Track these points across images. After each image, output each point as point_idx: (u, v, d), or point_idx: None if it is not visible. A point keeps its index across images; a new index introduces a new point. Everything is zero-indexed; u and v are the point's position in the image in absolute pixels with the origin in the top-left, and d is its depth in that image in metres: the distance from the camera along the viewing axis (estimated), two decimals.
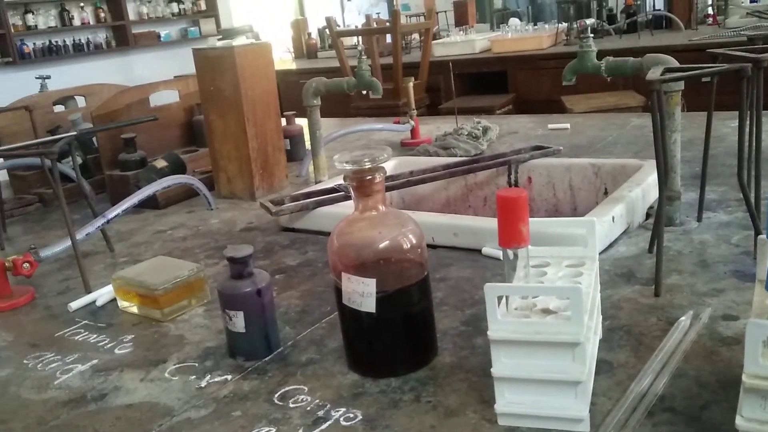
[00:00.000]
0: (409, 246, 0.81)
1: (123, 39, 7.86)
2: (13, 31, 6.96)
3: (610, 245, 1.14)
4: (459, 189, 1.65)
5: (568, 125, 2.08)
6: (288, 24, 6.88)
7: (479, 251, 1.17)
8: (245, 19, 8.16)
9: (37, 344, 1.02)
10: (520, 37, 4.87)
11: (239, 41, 1.58)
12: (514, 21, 5.52)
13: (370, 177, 0.79)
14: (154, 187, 1.48)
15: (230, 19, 8.52)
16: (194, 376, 0.87)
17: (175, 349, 0.96)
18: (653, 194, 1.27)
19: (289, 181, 1.75)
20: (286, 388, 0.82)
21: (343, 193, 1.39)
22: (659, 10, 5.27)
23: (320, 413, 0.76)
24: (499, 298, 0.70)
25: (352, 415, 0.75)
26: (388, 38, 5.37)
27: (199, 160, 1.84)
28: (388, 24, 5.27)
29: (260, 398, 0.81)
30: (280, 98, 1.70)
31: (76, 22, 7.51)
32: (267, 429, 0.74)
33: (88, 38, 7.68)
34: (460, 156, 1.81)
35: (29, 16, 7.13)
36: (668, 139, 1.10)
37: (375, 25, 5.20)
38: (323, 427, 0.74)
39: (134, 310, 1.08)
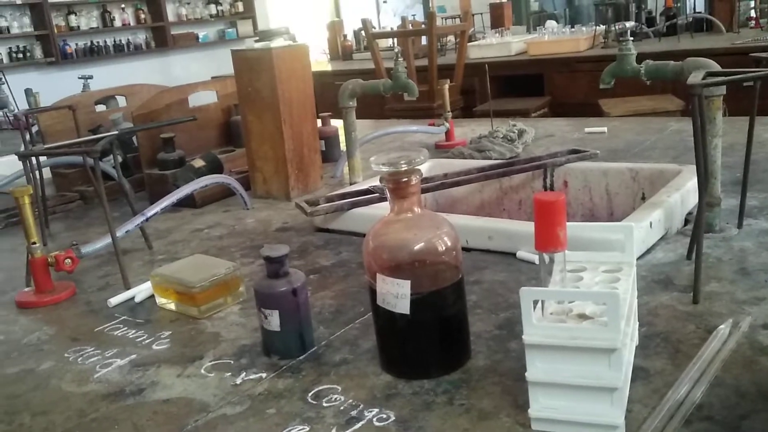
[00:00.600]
0: (444, 248, 0.81)
1: (162, 40, 7.99)
2: (56, 31, 7.12)
3: (648, 251, 1.12)
4: (493, 192, 1.64)
5: (605, 129, 2.06)
6: (324, 26, 6.92)
7: (514, 255, 1.16)
8: (282, 20, 8.23)
9: (78, 338, 1.04)
10: (557, 39, 4.83)
11: (277, 43, 1.59)
12: (551, 23, 5.47)
13: (406, 179, 0.80)
14: (192, 187, 1.50)
15: (267, 20, 8.60)
16: (230, 373, 0.89)
17: (211, 346, 0.97)
18: (692, 200, 1.25)
19: (324, 182, 1.77)
20: (320, 388, 0.83)
21: (377, 194, 1.39)
22: (700, 12, 5.18)
23: (353, 413, 0.77)
24: (535, 302, 0.70)
25: (385, 416, 0.75)
26: (424, 40, 5.37)
27: (236, 160, 1.86)
28: (423, 26, 5.27)
29: (294, 397, 0.81)
30: (315, 100, 1.71)
31: (117, 23, 7.66)
32: (301, 427, 0.75)
33: (128, 39, 7.83)
34: (495, 159, 1.80)
35: (72, 17, 7.30)
36: (709, 144, 1.09)
37: (410, 27, 5.21)
38: (356, 427, 0.74)
39: (172, 306, 1.10)
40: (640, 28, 4.70)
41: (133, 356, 0.96)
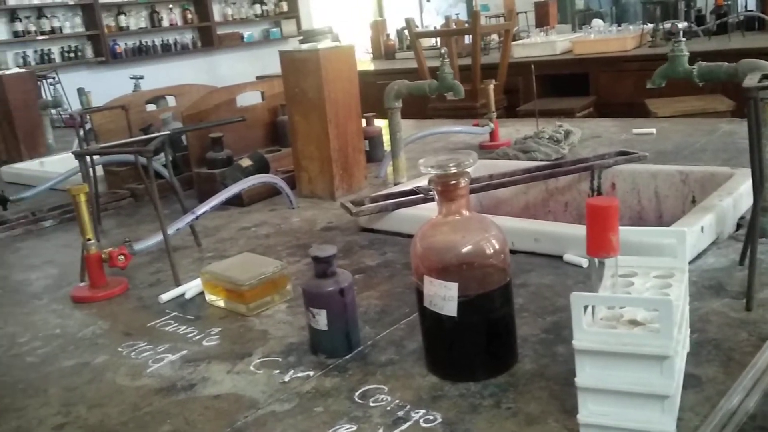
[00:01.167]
0: (492, 251, 0.81)
1: (208, 39, 8.12)
2: (106, 31, 7.30)
3: (698, 256, 1.11)
4: (539, 193, 1.63)
5: (653, 130, 2.03)
6: (367, 25, 6.94)
7: (560, 257, 1.15)
8: (325, 20, 8.29)
9: (131, 333, 1.07)
10: (603, 38, 4.75)
11: (324, 44, 1.61)
12: (597, 22, 5.39)
13: (455, 181, 0.80)
14: (240, 186, 1.52)
15: (310, 20, 8.67)
16: (278, 371, 0.90)
17: (260, 344, 0.99)
18: (745, 204, 1.22)
19: (368, 182, 1.78)
20: (366, 387, 0.84)
21: (422, 195, 1.40)
22: (751, 10, 5.04)
23: (400, 414, 0.77)
24: (585, 308, 0.69)
25: (431, 417, 0.76)
26: (467, 39, 5.35)
27: (282, 159, 1.89)
28: (467, 25, 5.25)
29: (341, 396, 0.82)
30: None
31: (165, 23, 7.81)
32: (348, 426, 0.76)
33: (175, 39, 7.98)
34: (541, 160, 1.78)
35: (121, 17, 7.46)
36: (764, 148, 1.06)
37: (454, 26, 5.19)
38: (403, 427, 0.75)
39: (221, 303, 1.13)
40: (690, 26, 4.60)
41: (184, 352, 0.99)
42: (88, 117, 1.94)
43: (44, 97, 3.15)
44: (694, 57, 1.21)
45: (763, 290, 0.96)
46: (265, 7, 8.62)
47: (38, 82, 2.97)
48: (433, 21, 7.63)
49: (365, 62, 6.40)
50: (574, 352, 0.68)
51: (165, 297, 1.18)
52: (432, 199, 1.17)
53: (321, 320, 0.90)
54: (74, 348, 1.04)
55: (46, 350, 1.04)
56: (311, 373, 0.89)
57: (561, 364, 0.83)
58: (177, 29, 7.96)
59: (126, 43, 7.57)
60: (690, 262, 1.08)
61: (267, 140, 2.04)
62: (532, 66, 2.07)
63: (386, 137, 1.96)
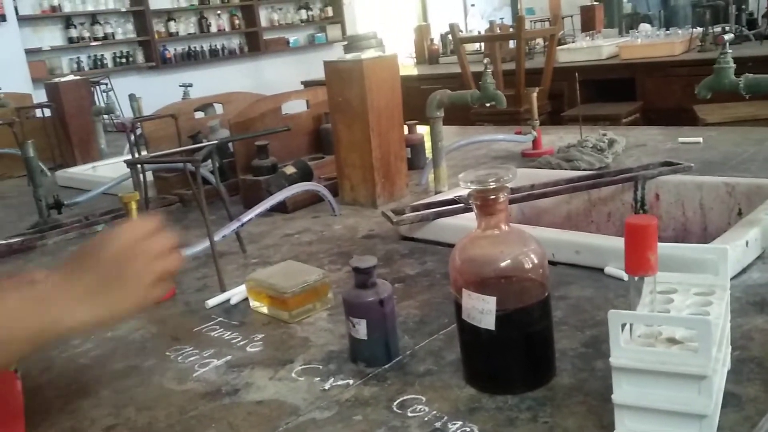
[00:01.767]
0: (530, 265, 0.82)
1: (255, 45, 8.26)
2: (156, 37, 7.48)
3: (743, 271, 1.09)
4: (581, 203, 1.62)
5: (700, 139, 2.00)
6: (411, 30, 6.96)
7: (601, 270, 1.15)
8: (369, 25, 8.33)
9: (178, 338, 1.11)
10: (651, 42, 4.68)
11: (368, 54, 1.63)
12: (644, 26, 5.31)
13: (493, 197, 0.81)
14: (284, 194, 1.56)
15: (355, 25, 8.73)
16: (318, 378, 0.92)
17: (301, 351, 1.01)
18: None
19: (409, 190, 1.79)
20: (405, 397, 0.85)
21: (462, 204, 1.41)
22: None
23: (437, 425, 0.78)
24: (623, 325, 0.69)
25: (468, 429, 0.77)
26: (512, 43, 5.32)
27: (325, 167, 1.92)
28: (511, 30, 5.23)
29: (380, 405, 0.84)
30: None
31: (213, 28, 7.97)
32: None
33: (222, 44, 8.14)
34: (584, 169, 1.77)
35: (171, 23, 7.64)
36: None
37: (498, 31, 5.18)
38: None
39: (264, 310, 1.16)
40: (740, 30, 4.49)
41: (229, 357, 1.02)
42: (139, 124, 2.01)
43: (97, 103, 3.25)
44: (744, 62, 1.20)
45: None
46: (310, 13, 8.72)
47: (91, 89, 3.06)
48: (478, 25, 7.60)
49: (408, 67, 6.42)
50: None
51: (211, 302, 1.21)
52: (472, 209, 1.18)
53: (361, 330, 0.92)
54: (124, 351, 1.08)
55: (98, 353, 1.09)
56: (351, 381, 0.91)
57: (599, 380, 0.83)
58: (224, 35, 8.11)
59: (175, 49, 7.75)
60: (734, 278, 1.07)
61: (311, 148, 2.07)
62: (576, 74, 2.06)
63: (428, 144, 1.97)
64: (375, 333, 0.93)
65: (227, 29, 8.09)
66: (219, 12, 7.99)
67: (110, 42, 7.25)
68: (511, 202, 1.45)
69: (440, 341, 0.99)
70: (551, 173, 1.70)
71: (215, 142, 1.44)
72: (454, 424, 0.78)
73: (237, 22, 8.15)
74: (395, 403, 0.84)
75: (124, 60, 7.38)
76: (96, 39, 7.13)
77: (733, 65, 1.16)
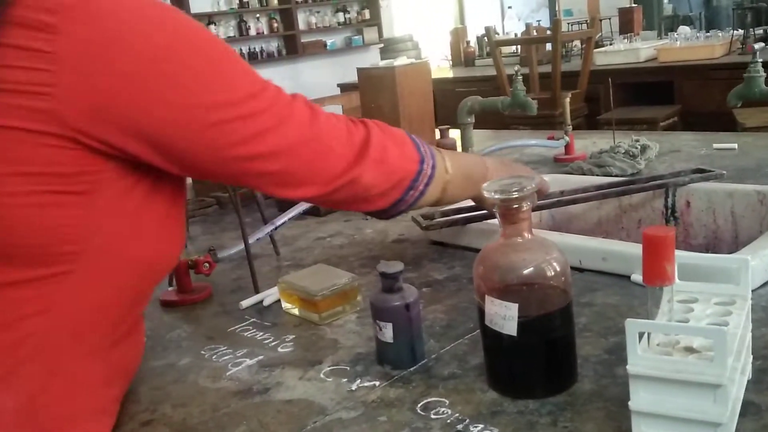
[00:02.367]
0: (553, 273, 0.84)
1: (293, 47, 8.35)
2: None
3: None
4: (612, 210, 1.63)
5: (735, 145, 1.97)
6: (447, 32, 6.97)
7: (628, 277, 1.16)
8: (406, 27, 8.36)
9: (213, 337, 1.15)
10: (690, 45, 4.62)
11: (400, 61, 1.66)
12: (683, 29, 5.23)
13: (516, 206, 0.83)
14: None
15: (392, 27, 8.77)
16: (346, 379, 0.95)
17: (330, 352, 1.04)
18: None
19: None
20: (429, 400, 0.88)
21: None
22: None
23: (459, 427, 0.81)
24: (641, 334, 0.71)
25: None
26: (548, 46, 5.30)
27: None
28: (548, 32, 5.21)
29: (404, 407, 0.87)
30: (435, 108, 1.76)
31: (252, 32, 8.08)
32: None
33: (261, 47, 8.24)
34: (616, 175, 1.78)
35: (212, 27, 7.77)
36: None
37: (535, 34, 5.16)
38: None
39: (295, 312, 1.19)
40: None
41: (261, 357, 1.05)
42: None
43: None
44: None
45: None
46: (348, 15, 8.79)
47: None
48: (515, 27, 7.59)
49: (444, 69, 6.44)
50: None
51: (245, 303, 1.25)
52: None
53: (387, 333, 0.95)
54: (162, 349, 1.13)
55: None
56: (377, 383, 0.93)
57: (620, 386, 0.85)
58: (263, 37, 8.22)
59: None
60: (762, 287, 1.07)
61: None
62: (610, 79, 2.06)
63: (460, 149, 1.99)
64: (401, 336, 0.95)
65: (266, 32, 8.19)
66: (258, 15, 8.10)
67: None
68: (541, 208, 1.47)
69: (465, 345, 1.01)
70: (581, 179, 1.70)
71: None
72: (476, 426, 0.80)
73: (275, 25, 8.25)
74: (419, 405, 0.86)
75: None
76: None
77: (763, 74, 1.16)
